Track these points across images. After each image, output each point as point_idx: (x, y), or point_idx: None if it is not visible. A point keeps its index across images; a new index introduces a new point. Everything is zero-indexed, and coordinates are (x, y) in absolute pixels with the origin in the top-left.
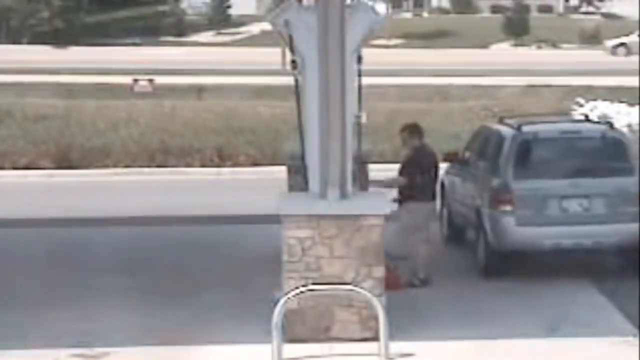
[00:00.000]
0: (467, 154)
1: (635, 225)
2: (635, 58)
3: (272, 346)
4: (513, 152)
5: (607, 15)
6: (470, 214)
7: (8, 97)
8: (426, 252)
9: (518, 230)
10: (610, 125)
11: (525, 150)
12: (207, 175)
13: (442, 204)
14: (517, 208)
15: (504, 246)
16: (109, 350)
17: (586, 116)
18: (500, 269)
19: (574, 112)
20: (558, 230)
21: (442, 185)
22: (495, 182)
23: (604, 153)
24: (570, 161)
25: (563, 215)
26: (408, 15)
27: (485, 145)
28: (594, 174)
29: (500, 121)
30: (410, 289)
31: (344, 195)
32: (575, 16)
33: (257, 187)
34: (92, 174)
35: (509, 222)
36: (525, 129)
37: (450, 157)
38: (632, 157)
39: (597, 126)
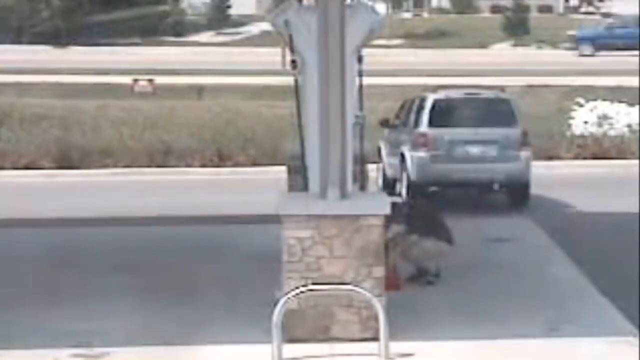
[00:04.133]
0: (397, 121)
1: (517, 165)
2: None
3: (272, 346)
4: (430, 108)
5: (607, 15)
6: (396, 161)
7: (8, 97)
8: (432, 245)
9: (432, 166)
10: (502, 89)
11: (439, 107)
12: (207, 175)
13: (378, 163)
14: (432, 149)
15: (421, 180)
16: (109, 350)
17: (485, 87)
18: (418, 198)
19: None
20: (462, 167)
21: (379, 149)
22: (416, 131)
23: (496, 110)
24: (472, 116)
25: (466, 156)
26: (408, 15)
27: (411, 107)
28: (488, 125)
29: (424, 90)
30: (427, 286)
31: (344, 195)
32: (575, 16)
33: (257, 187)
34: (92, 174)
35: (426, 159)
36: (440, 92)
37: (383, 123)
38: (516, 113)
39: (492, 91)
